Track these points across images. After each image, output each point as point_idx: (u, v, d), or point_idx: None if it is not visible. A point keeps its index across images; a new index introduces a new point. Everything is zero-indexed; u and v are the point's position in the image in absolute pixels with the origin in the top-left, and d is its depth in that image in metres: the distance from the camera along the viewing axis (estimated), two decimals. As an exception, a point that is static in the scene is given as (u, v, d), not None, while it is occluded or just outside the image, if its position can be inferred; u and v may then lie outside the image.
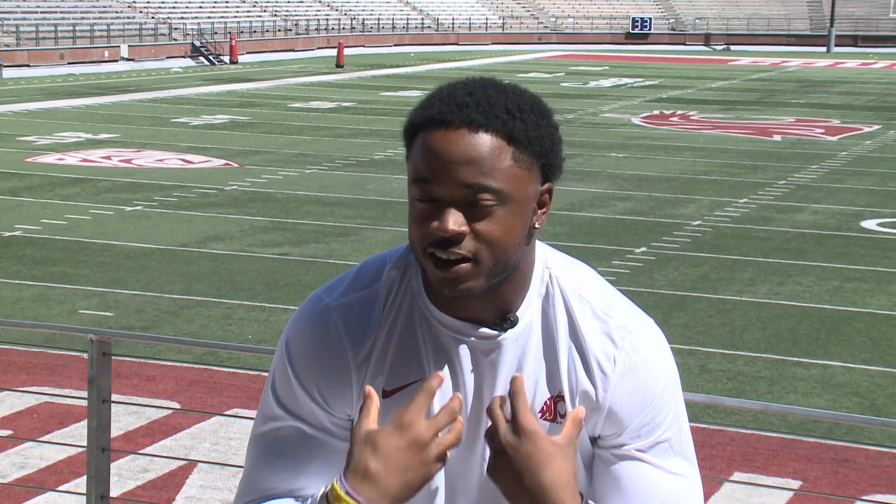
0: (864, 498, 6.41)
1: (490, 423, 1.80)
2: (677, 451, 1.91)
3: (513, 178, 1.78)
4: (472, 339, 1.87)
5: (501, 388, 1.88)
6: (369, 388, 1.79)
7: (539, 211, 1.84)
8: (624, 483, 1.89)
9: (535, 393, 1.88)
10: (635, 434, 1.88)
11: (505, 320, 1.87)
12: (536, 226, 1.84)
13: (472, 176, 1.75)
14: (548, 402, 1.89)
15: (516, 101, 1.81)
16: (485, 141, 1.77)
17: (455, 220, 1.76)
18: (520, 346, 1.88)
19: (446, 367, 1.89)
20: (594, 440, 1.92)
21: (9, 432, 7.15)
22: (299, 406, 1.91)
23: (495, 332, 1.87)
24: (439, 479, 1.92)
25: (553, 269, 1.91)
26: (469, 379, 1.89)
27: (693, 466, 1.93)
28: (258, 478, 1.93)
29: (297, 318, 1.94)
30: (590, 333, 1.88)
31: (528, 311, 1.89)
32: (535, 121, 1.80)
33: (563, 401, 1.88)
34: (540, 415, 1.88)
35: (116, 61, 44.35)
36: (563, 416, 1.88)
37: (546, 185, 1.84)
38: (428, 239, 1.78)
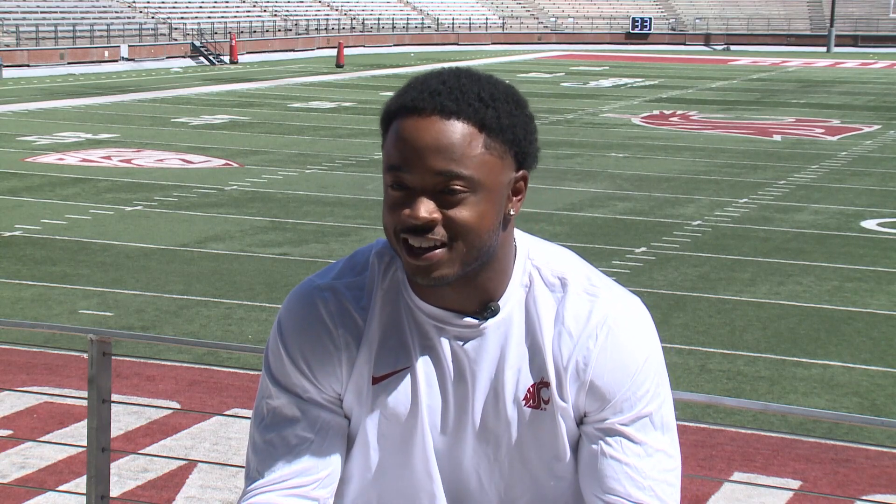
0: (864, 498, 6.41)
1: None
2: (658, 425, 1.93)
3: (484, 165, 1.79)
4: (455, 328, 1.90)
5: (484, 377, 1.91)
6: None
7: (514, 198, 1.87)
8: (604, 460, 1.91)
9: (519, 380, 1.91)
10: (618, 409, 1.91)
11: (486, 309, 1.89)
12: (512, 213, 1.86)
13: (442, 163, 1.78)
14: (531, 389, 1.91)
15: (490, 90, 1.82)
16: (456, 128, 1.78)
17: (426, 208, 1.79)
18: (502, 334, 1.90)
19: (430, 355, 1.91)
20: (581, 420, 1.94)
21: (9, 432, 7.15)
22: (291, 381, 1.94)
23: (477, 321, 1.89)
24: (431, 468, 1.94)
25: (535, 258, 1.94)
26: (452, 368, 1.91)
27: (674, 442, 1.96)
28: (260, 459, 1.96)
29: (290, 297, 1.99)
30: (573, 315, 1.90)
31: (511, 301, 1.91)
32: (508, 109, 1.82)
33: (548, 387, 1.91)
34: (524, 402, 1.91)
35: (116, 61, 44.35)
36: (547, 402, 1.90)
37: (520, 173, 1.86)
38: (400, 226, 1.82)
